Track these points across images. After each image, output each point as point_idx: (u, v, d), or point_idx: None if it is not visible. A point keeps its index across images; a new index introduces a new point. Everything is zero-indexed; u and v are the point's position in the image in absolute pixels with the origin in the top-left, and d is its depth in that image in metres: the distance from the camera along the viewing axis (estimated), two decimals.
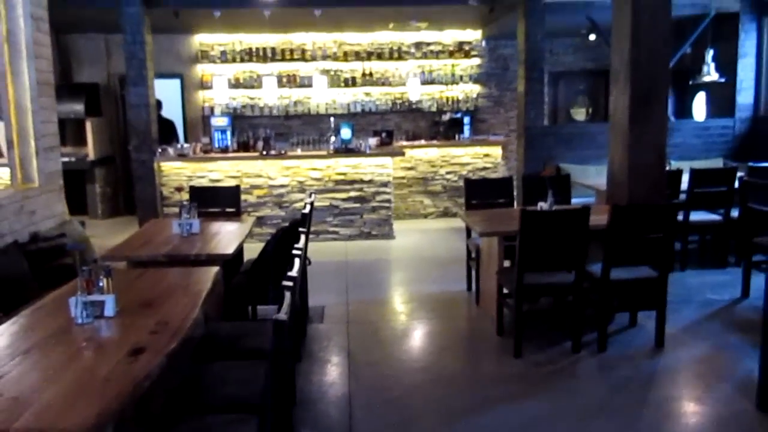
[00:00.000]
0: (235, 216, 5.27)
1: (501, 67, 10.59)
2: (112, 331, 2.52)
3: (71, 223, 5.03)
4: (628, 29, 4.82)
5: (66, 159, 7.63)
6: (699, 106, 9.63)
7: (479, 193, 5.56)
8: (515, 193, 5.76)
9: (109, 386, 1.96)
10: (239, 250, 4.33)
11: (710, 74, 7.10)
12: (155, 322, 2.55)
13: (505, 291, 4.38)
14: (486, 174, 8.83)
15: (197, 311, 2.74)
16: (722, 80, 7.34)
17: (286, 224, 4.12)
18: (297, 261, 2.83)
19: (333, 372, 3.97)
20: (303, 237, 3.55)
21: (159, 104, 8.35)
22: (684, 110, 10.01)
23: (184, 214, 4.42)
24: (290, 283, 2.39)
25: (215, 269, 3.44)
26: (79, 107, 9.13)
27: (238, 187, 5.58)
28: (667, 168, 6.23)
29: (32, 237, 4.47)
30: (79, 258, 4.42)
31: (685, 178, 5.98)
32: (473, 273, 5.37)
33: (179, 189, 5.33)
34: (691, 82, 8.15)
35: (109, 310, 2.64)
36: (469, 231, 5.36)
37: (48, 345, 2.37)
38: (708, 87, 8.71)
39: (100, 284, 2.67)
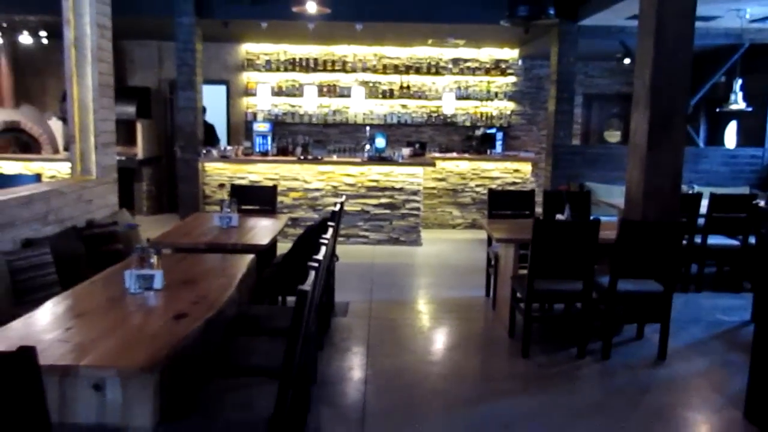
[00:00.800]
0: (271, 214, 5.67)
1: (535, 86, 10.85)
2: (159, 300, 2.90)
3: (122, 213, 5.49)
4: (651, 57, 5.06)
5: (117, 157, 8.19)
6: (730, 134, 9.71)
7: (502, 203, 5.86)
8: (537, 207, 6.03)
9: (156, 340, 2.34)
10: (273, 244, 4.72)
11: (737, 103, 7.25)
12: (196, 295, 2.93)
13: (518, 296, 4.66)
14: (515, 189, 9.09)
15: (232, 290, 3.12)
16: (749, 109, 7.48)
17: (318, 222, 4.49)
18: (324, 248, 3.18)
19: (352, 359, 4.30)
20: (331, 230, 3.89)
21: (203, 109, 8.87)
22: (716, 138, 10.10)
23: (225, 209, 4.83)
24: (315, 264, 2.73)
25: (250, 257, 3.82)
26: (131, 109, 9.70)
27: (275, 187, 5.98)
28: (689, 191, 6.45)
29: (88, 223, 4.93)
30: (129, 241, 4.88)
31: (705, 203, 6.15)
32: (492, 279, 5.66)
33: (221, 185, 5.73)
34: (718, 110, 8.28)
35: (158, 283, 3.03)
36: (490, 239, 5.65)
37: (104, 309, 2.76)
38: (739, 116, 8.82)
39: (151, 261, 3.07)
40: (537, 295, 4.39)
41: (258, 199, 5.85)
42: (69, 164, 5.45)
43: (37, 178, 6.46)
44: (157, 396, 2.28)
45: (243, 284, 3.45)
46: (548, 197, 5.91)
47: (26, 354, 1.64)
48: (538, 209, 6.25)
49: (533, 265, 4.25)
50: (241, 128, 10.84)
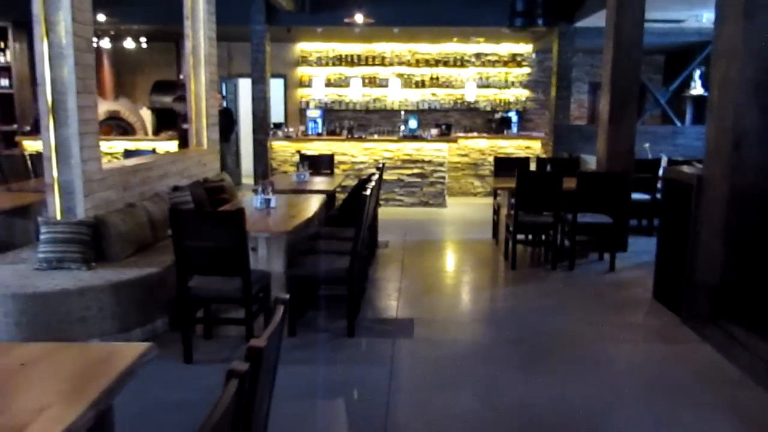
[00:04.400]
0: (330, 174, 7.63)
1: (547, 76, 12.56)
2: (275, 213, 4.88)
3: (224, 174, 7.54)
4: (610, 56, 6.85)
5: None
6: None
7: (505, 167, 7.70)
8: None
9: (279, 225, 4.31)
10: (334, 192, 6.68)
11: (696, 89, 8.89)
12: (296, 210, 4.90)
13: (510, 228, 6.52)
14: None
15: (316, 210, 5.07)
16: (706, 94, 9.13)
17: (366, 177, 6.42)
18: (372, 182, 5.11)
19: (391, 272, 6.24)
20: (376, 176, 5.82)
21: (223, 97, 10.82)
22: (701, 119, 11.68)
23: (300, 169, 6.82)
24: (368, 191, 4.66)
25: (323, 196, 5.78)
26: None
27: (332, 155, 7.96)
28: (651, 157, 8.18)
29: (204, 179, 6.97)
30: (232, 192, 6.88)
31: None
32: (495, 224, 7.52)
33: (299, 151, 7.71)
34: (683, 95, 9.91)
35: (273, 203, 5.01)
36: (495, 192, 7.51)
37: (249, 214, 4.74)
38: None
39: (269, 190, 5.05)
40: (521, 226, 6.25)
41: (321, 164, 7.82)
42: (169, 142, 7.48)
43: (153, 152, 8.55)
44: (286, 252, 4.26)
45: (319, 213, 5.41)
46: (540, 162, 7.74)
47: (237, 215, 3.63)
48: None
49: (518, 203, 6.12)
50: (296, 115, 12.86)
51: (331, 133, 10.83)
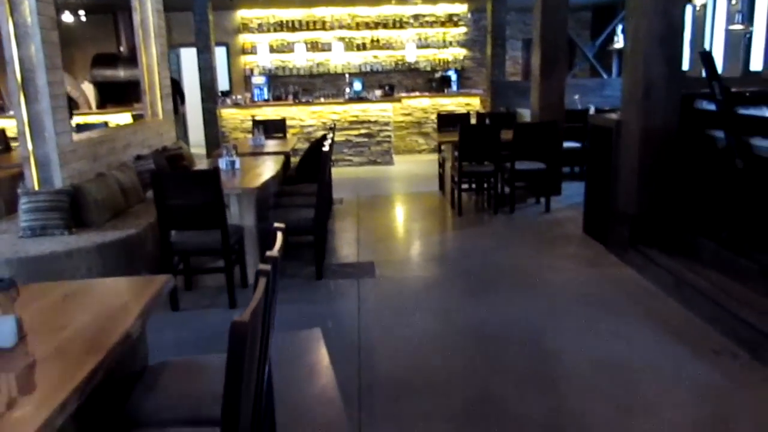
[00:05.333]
0: (283, 138, 8.01)
1: (483, 35, 13.08)
2: (240, 173, 5.26)
3: (180, 142, 7.80)
4: (540, 14, 7.41)
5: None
6: None
7: (447, 122, 8.24)
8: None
9: (247, 182, 4.73)
10: (289, 153, 7.08)
11: (619, 43, 9.58)
12: (259, 171, 5.31)
13: (455, 179, 7.08)
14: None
15: (279, 169, 5.49)
16: None
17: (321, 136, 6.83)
18: (328, 140, 5.55)
19: (348, 224, 6.73)
20: (331, 135, 6.25)
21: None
22: None
23: (257, 134, 7.18)
24: (326, 148, 5.10)
25: (281, 157, 6.19)
26: None
27: (284, 119, 8.32)
28: (581, 108, 8.86)
29: (163, 148, 7.24)
30: (190, 159, 7.19)
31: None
32: (441, 177, 8.08)
33: (253, 117, 8.03)
34: (609, 49, 10.65)
35: (237, 164, 5.39)
36: (439, 146, 8.05)
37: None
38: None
39: (232, 152, 5.42)
40: (465, 174, 6.83)
41: (273, 129, 8.18)
42: (120, 115, 7.67)
43: (105, 125, 8.69)
44: (255, 208, 4.69)
45: (280, 172, 5.82)
46: (479, 117, 8.31)
47: (214, 173, 4.03)
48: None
49: (461, 154, 6.67)
50: (241, 82, 13.01)
51: (277, 98, 11.12)
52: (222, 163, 5.34)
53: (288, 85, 12.29)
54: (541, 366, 3.43)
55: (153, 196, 4.12)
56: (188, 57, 12.76)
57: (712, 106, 4.65)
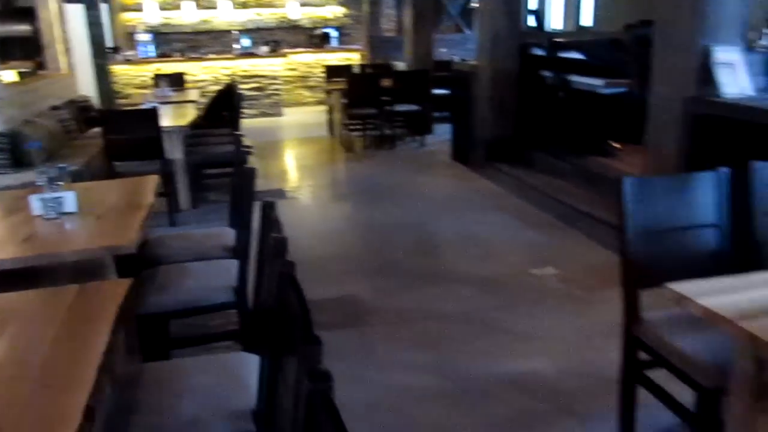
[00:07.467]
0: (183, 90, 8.72)
1: None
2: (165, 114, 6.06)
3: (84, 95, 8.29)
4: None
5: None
6: None
7: (334, 73, 9.29)
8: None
9: (183, 119, 5.58)
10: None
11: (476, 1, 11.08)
12: (182, 113, 6.12)
13: (344, 122, 8.20)
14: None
15: (196, 113, 6.32)
16: None
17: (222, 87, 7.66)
18: (237, 87, 6.45)
19: (254, 163, 7.68)
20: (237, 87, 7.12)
21: None
22: None
23: (163, 86, 7.87)
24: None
25: (194, 103, 6.99)
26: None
27: (182, 74, 8.99)
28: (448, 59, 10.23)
29: (71, 101, 7.74)
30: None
31: None
32: (331, 123, 9.17)
33: (156, 73, 8.64)
34: (468, 7, 12.15)
35: (160, 109, 6.17)
36: (328, 92, 9.11)
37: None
38: None
39: (153, 99, 6.18)
40: (353, 117, 7.97)
41: (174, 83, 8.83)
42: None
43: None
44: (184, 143, 5.56)
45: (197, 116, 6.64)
46: (362, 68, 9.44)
47: (154, 111, 4.89)
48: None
49: (349, 99, 7.79)
50: (124, 39, 13.18)
51: (164, 55, 11.57)
52: (146, 106, 6.10)
53: (174, 42, 12.69)
54: (423, 242, 4.72)
55: (101, 132, 4.90)
56: (73, 13, 12.71)
57: (541, 52, 6.10)
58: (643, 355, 2.30)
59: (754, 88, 3.50)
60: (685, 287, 1.72)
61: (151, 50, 11.73)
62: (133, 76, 10.78)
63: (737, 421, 1.78)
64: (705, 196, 2.31)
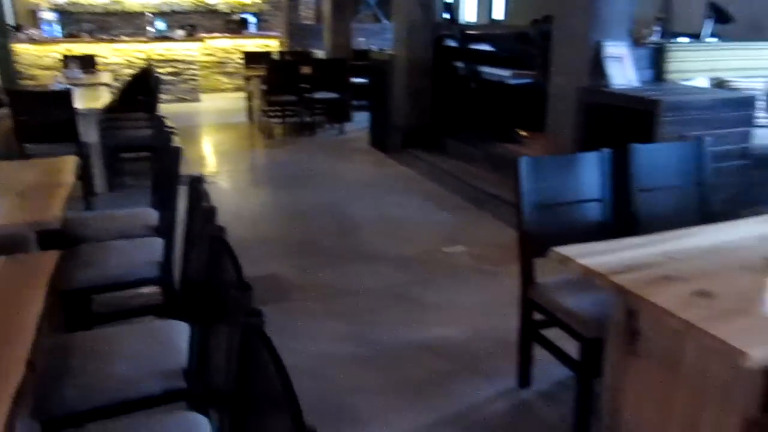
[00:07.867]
0: (94, 72, 8.46)
1: None
2: (77, 98, 5.92)
3: None
4: None
5: None
6: None
7: (253, 60, 9.27)
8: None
9: (96, 102, 5.49)
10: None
11: None
12: (95, 96, 6.00)
13: (263, 108, 8.23)
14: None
15: (110, 96, 6.20)
16: None
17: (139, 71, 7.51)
18: (154, 70, 6.38)
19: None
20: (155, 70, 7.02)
21: None
22: None
23: (73, 68, 7.62)
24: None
25: (106, 86, 6.83)
26: None
27: (93, 56, 8.71)
28: (366, 48, 10.42)
29: None
30: None
31: None
32: (250, 110, 9.17)
33: (65, 55, 8.34)
34: None
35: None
36: (248, 80, 9.10)
37: None
38: None
39: (63, 80, 6.02)
40: (272, 103, 8.02)
41: (84, 64, 8.55)
42: None
43: None
44: (98, 126, 5.47)
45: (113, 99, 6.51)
46: (281, 55, 9.48)
47: (67, 93, 4.80)
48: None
49: (268, 86, 7.84)
50: (26, 17, 12.53)
51: (71, 36, 11.12)
52: (57, 88, 5.94)
53: (82, 23, 12.18)
54: (343, 224, 4.91)
55: (10, 113, 4.77)
56: None
57: (454, 43, 6.39)
58: (538, 316, 2.60)
59: (639, 79, 3.90)
60: (568, 249, 1.99)
61: (57, 30, 11.25)
62: (38, 56, 10.31)
63: (612, 364, 2.08)
64: (590, 174, 2.62)
